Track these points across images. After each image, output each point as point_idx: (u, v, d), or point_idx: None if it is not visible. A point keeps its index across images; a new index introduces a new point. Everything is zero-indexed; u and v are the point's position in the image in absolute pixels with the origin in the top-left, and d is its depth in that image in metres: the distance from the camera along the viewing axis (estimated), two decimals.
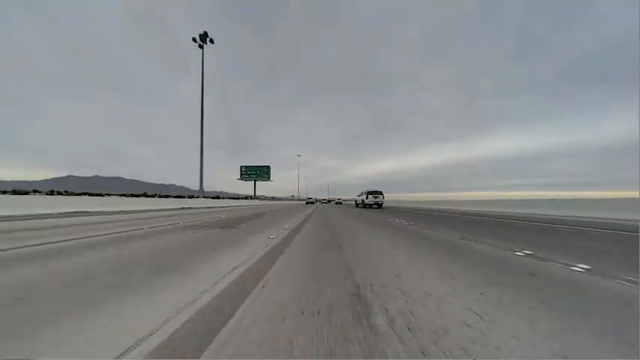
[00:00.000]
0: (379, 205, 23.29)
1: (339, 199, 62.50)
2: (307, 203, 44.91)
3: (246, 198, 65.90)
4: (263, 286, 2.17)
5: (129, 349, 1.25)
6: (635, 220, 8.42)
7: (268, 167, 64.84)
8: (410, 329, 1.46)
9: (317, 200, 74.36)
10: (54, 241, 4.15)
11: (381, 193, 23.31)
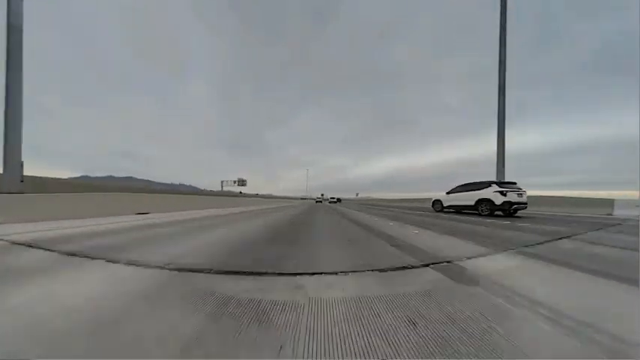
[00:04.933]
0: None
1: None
2: (317, 202, 45.78)
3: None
4: None
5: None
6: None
7: None
8: None
9: (325, 199, 67.26)
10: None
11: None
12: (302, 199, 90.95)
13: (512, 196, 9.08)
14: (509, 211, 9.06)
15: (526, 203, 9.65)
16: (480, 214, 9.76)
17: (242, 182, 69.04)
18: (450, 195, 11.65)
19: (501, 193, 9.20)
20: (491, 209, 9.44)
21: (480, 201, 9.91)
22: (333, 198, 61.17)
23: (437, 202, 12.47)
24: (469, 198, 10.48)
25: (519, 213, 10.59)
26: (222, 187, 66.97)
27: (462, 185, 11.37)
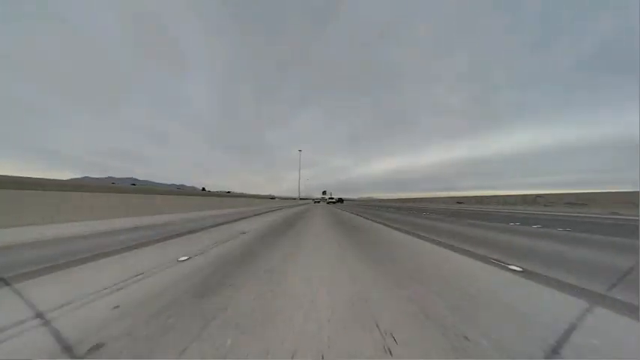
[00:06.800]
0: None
1: None
2: (315, 202, 45.55)
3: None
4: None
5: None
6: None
7: None
8: None
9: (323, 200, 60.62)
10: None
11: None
12: (301, 199, 77.24)
13: None
14: None
15: None
16: None
17: None
18: None
19: None
20: None
21: None
22: (332, 198, 44.07)
23: None
24: None
25: None
26: None
27: None
